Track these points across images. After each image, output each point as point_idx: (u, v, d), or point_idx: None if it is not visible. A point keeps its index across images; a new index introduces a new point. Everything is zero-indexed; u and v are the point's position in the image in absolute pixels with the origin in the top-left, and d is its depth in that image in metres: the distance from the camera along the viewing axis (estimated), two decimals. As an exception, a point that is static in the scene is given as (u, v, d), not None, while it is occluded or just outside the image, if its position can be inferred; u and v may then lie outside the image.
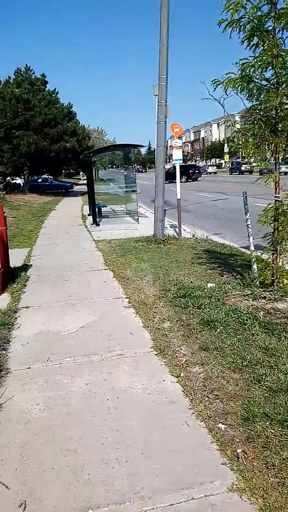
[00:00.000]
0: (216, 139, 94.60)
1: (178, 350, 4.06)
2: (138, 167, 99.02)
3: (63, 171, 55.96)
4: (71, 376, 3.70)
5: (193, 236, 10.72)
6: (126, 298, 5.79)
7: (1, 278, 6.32)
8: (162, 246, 9.71)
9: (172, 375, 3.65)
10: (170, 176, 43.43)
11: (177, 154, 10.87)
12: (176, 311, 5.02)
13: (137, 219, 14.59)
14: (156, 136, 9.98)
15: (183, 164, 46.00)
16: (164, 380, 3.57)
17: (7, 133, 26.24)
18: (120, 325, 4.82)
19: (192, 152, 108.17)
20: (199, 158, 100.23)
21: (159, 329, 4.58)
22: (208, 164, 73.02)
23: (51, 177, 39.30)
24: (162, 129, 9.94)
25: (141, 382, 3.55)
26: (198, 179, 46.08)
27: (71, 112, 30.07)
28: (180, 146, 10.96)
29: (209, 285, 5.87)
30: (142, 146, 14.33)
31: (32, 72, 28.58)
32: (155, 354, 4.03)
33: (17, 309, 5.52)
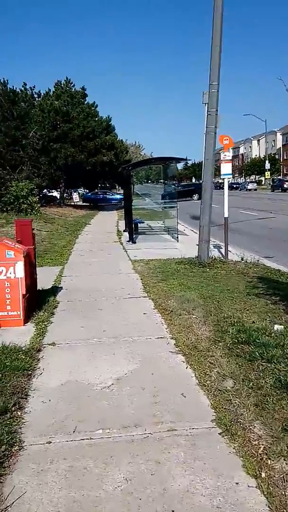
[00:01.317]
0: (256, 155, 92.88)
1: (251, 429, 2.95)
2: (174, 182, 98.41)
3: (99, 185, 56.12)
4: (105, 462, 2.66)
5: (242, 259, 9.56)
6: (172, 339, 4.73)
7: (26, 306, 5.43)
8: (208, 270, 8.61)
9: (248, 473, 2.55)
10: (182, 194, 42.33)
11: (226, 168, 9.85)
12: (240, 364, 3.91)
13: (177, 237, 13.58)
14: (204, 148, 9.00)
15: (193, 183, 44.41)
16: (237, 483, 2.47)
17: (45, 146, 26.13)
18: (168, 380, 3.76)
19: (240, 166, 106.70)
20: (237, 175, 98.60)
21: (220, 390, 3.48)
22: (248, 181, 71.25)
23: (109, 191, 38.79)
24: (211, 141, 8.96)
25: (204, 483, 2.47)
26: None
27: (110, 126, 29.77)
28: (230, 160, 9.94)
29: (276, 327, 4.73)
30: (185, 159, 13.44)
31: (72, 84, 28.61)
32: (220, 433, 2.94)
33: (42, 346, 4.58)
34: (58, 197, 32.64)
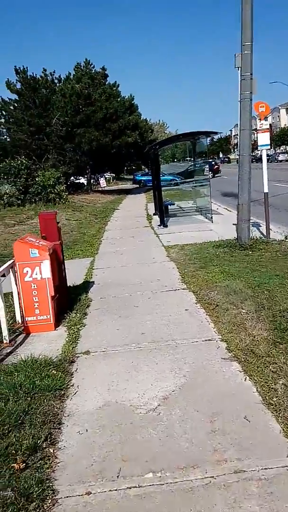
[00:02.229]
0: (285, 124, 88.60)
1: None
2: (200, 160, 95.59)
3: (125, 168, 55.24)
4: (159, 523, 2.10)
5: (286, 238, 8.70)
6: (223, 341, 4.09)
7: (55, 308, 4.93)
8: (250, 253, 7.84)
9: None
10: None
11: (264, 139, 8.90)
12: (311, 374, 3.24)
13: (211, 217, 12.76)
14: (239, 117, 8.10)
15: (205, 160, 42.51)
16: None
17: (68, 132, 25.58)
18: (224, 397, 3.14)
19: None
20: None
21: (292, 412, 2.83)
22: (278, 151, 68.13)
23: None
24: (247, 108, 8.04)
25: None
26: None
27: (133, 105, 28.74)
28: (268, 129, 8.97)
29: None
30: (216, 132, 12.46)
31: (92, 66, 27.71)
32: (302, 477, 2.31)
33: (75, 356, 4.07)
34: (85, 184, 32.20)
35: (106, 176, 44.32)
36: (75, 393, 3.38)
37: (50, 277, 4.73)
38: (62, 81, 27.85)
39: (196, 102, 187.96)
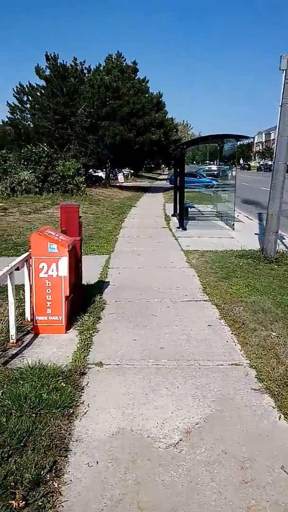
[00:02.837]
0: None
1: None
2: (221, 163, 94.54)
3: (144, 165, 54.80)
4: None
5: (314, 255, 8.23)
6: (252, 367, 3.68)
7: (69, 309, 4.56)
8: (276, 267, 7.40)
9: None
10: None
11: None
12: None
13: (233, 224, 12.30)
14: (279, 123, 7.64)
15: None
16: None
17: (93, 123, 25.23)
18: (256, 438, 2.73)
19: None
20: None
21: None
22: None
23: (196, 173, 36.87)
24: (288, 114, 7.56)
25: None
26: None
27: (160, 102, 28.28)
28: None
29: None
30: (246, 137, 11.99)
31: (123, 59, 27.29)
32: None
33: (86, 367, 3.68)
34: (104, 177, 31.86)
35: (125, 172, 43.97)
36: (85, 413, 3.00)
37: (66, 276, 4.35)
38: (91, 72, 27.49)
39: (222, 106, 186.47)
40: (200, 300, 5.55)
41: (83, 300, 5.16)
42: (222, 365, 3.75)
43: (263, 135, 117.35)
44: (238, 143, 12.58)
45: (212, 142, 14.26)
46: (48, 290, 4.37)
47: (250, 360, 3.80)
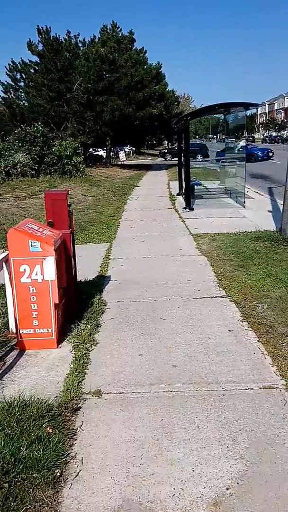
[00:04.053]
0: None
1: None
2: (224, 137, 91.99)
3: (146, 142, 53.16)
4: None
5: None
6: (291, 393, 2.89)
7: (60, 318, 3.78)
8: (298, 251, 6.54)
9: None
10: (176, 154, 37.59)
11: None
12: None
13: (243, 202, 11.36)
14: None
15: (197, 142, 40.13)
16: None
17: (90, 99, 23.95)
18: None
19: (285, 120, 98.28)
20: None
21: None
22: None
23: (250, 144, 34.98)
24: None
25: None
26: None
27: (160, 74, 26.75)
28: None
29: None
30: (256, 104, 10.91)
31: (119, 29, 25.69)
32: None
33: (81, 398, 2.92)
34: (104, 156, 30.71)
35: (126, 150, 42.57)
36: (78, 474, 2.25)
37: (54, 279, 3.56)
38: (86, 45, 25.99)
39: (223, 77, 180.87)
40: (216, 297, 4.74)
41: (79, 302, 4.38)
42: (251, 389, 2.97)
43: (267, 106, 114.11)
44: (247, 112, 11.49)
45: (217, 113, 13.16)
46: (33, 298, 3.59)
47: (287, 381, 3.02)
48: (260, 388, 2.97)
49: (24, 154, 16.16)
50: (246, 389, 2.97)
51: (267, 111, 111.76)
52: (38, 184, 14.32)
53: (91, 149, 29.64)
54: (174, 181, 19.05)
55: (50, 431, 2.51)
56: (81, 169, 17.42)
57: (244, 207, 11.13)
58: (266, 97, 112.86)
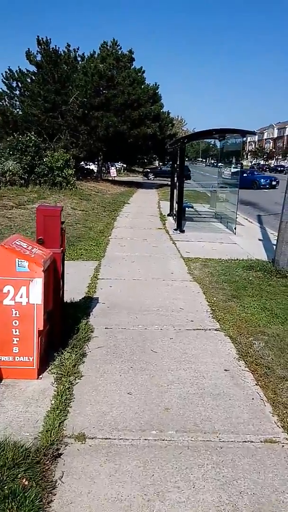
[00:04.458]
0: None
1: None
2: (213, 161, 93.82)
3: (138, 160, 53.47)
4: None
5: None
6: (296, 450, 2.63)
7: (44, 346, 3.45)
8: (292, 284, 6.38)
9: None
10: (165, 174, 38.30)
11: None
12: None
13: (234, 228, 11.27)
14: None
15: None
16: None
17: (85, 113, 23.91)
18: None
19: (274, 150, 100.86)
20: (281, 157, 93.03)
21: None
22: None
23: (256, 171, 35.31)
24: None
25: None
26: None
27: (156, 94, 26.99)
28: None
29: None
30: (253, 133, 10.96)
31: (119, 47, 25.97)
32: None
33: (62, 442, 2.59)
34: (96, 171, 30.59)
35: (117, 166, 42.61)
36: None
37: (40, 304, 3.24)
38: (85, 60, 26.11)
39: (215, 104, 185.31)
40: (210, 329, 4.49)
41: (64, 327, 4.06)
42: (251, 441, 2.69)
43: (256, 135, 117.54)
44: (238, 140, 11.52)
45: (213, 137, 13.19)
46: (15, 322, 3.26)
47: (290, 434, 2.76)
48: (261, 441, 2.69)
49: (15, 162, 15.84)
50: (245, 441, 2.69)
51: (256, 139, 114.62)
52: (27, 194, 13.98)
53: (82, 163, 29.52)
54: (164, 201, 18.98)
55: (26, 483, 2.18)
56: (72, 182, 17.18)
57: (235, 233, 11.04)
58: (256, 126, 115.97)
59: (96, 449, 2.56)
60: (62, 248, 3.84)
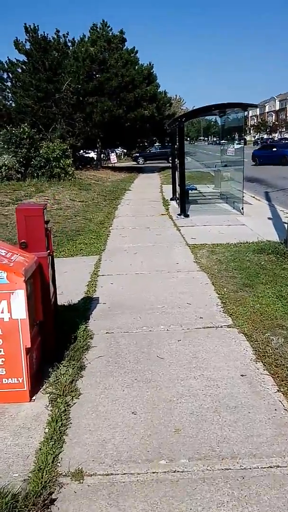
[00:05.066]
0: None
1: None
2: (215, 139, 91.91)
3: (137, 144, 52.45)
4: None
5: None
6: None
7: (35, 362, 3.06)
8: (308, 266, 5.90)
9: None
10: (158, 158, 37.56)
11: None
12: None
13: (241, 208, 10.73)
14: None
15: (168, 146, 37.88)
16: None
17: (79, 100, 23.21)
18: None
19: (277, 123, 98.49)
20: (284, 129, 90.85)
21: None
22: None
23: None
24: None
25: None
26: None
27: (151, 74, 26.10)
28: None
29: None
30: (255, 105, 10.33)
31: (109, 28, 25.02)
32: None
33: (56, 483, 2.21)
34: (95, 159, 29.95)
35: (117, 152, 41.81)
36: None
37: (25, 318, 2.84)
38: (75, 45, 25.26)
39: (214, 80, 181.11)
40: (222, 326, 4.06)
41: (59, 335, 3.67)
42: (278, 466, 2.29)
43: (258, 109, 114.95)
44: (246, 113, 10.87)
45: (213, 114, 12.55)
46: (-1, 341, 2.87)
47: None
48: (290, 466, 2.29)
49: (10, 156, 15.38)
50: (271, 467, 2.29)
51: (258, 113, 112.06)
52: (24, 189, 13.55)
53: (81, 151, 28.89)
54: (166, 185, 18.41)
55: None
56: (70, 172, 16.68)
57: (242, 214, 10.51)
58: (257, 100, 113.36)
59: (95, 489, 2.18)
60: (49, 251, 3.42)
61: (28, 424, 2.72)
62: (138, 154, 39.43)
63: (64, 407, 2.85)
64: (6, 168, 14.78)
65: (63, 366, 3.33)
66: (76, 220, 9.99)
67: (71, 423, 2.72)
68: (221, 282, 5.34)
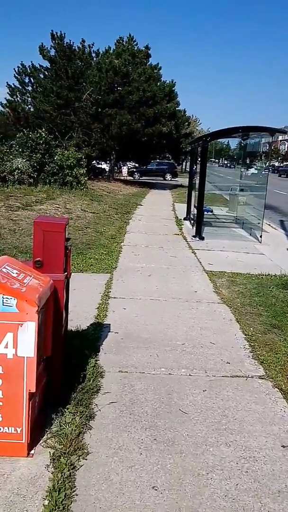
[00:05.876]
0: None
1: None
2: (226, 162, 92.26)
3: (151, 159, 52.46)
4: None
5: None
6: None
7: (37, 409, 2.54)
8: None
9: None
10: (155, 174, 37.06)
11: None
12: None
13: (260, 236, 10.27)
14: None
15: (167, 162, 37.11)
16: None
17: (99, 111, 23.05)
18: None
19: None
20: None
21: None
22: None
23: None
24: None
25: None
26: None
27: (173, 92, 26.04)
28: None
29: None
30: (284, 132, 9.96)
31: (135, 42, 25.06)
32: None
33: None
34: (107, 170, 29.73)
35: (129, 166, 41.64)
36: None
37: (33, 357, 2.33)
38: (100, 56, 25.27)
39: (230, 105, 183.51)
40: (253, 377, 3.52)
41: (65, 370, 3.14)
42: None
43: (270, 137, 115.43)
44: (272, 138, 10.51)
45: (237, 136, 12.19)
46: (-2, 382, 2.35)
47: None
48: None
49: (24, 160, 15.03)
50: None
51: (270, 140, 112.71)
52: (35, 194, 13.14)
53: (94, 162, 28.67)
54: (179, 203, 18.04)
55: None
56: (83, 182, 16.31)
57: (260, 242, 10.04)
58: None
59: None
60: (66, 273, 2.92)
61: (24, 490, 2.18)
62: (134, 169, 38.57)
63: (68, 470, 2.31)
64: (19, 171, 14.41)
65: (69, 412, 2.80)
66: (87, 232, 9.52)
67: (76, 494, 2.18)
68: (246, 319, 4.82)
